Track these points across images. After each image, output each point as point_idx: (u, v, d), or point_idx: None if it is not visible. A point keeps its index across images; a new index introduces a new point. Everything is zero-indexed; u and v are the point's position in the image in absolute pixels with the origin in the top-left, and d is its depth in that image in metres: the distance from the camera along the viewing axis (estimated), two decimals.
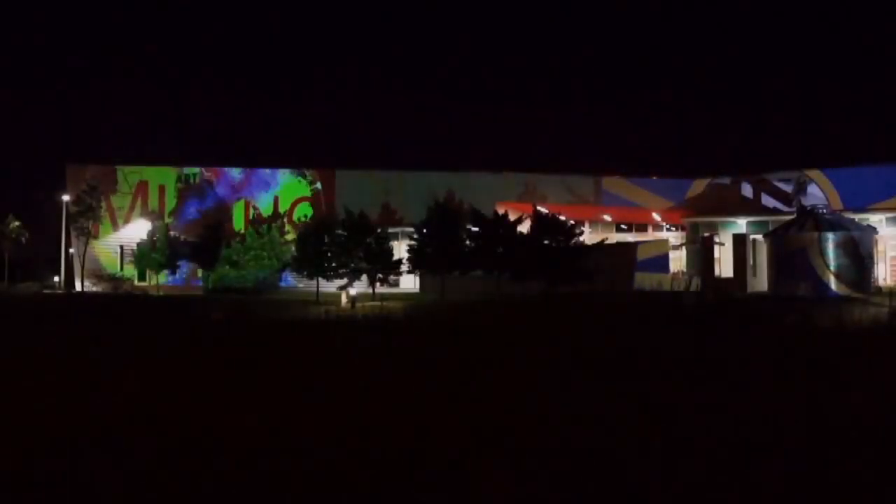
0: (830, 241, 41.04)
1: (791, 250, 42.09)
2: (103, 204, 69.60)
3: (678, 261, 61.91)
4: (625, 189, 71.61)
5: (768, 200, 68.56)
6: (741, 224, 61.98)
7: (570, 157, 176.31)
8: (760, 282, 45.93)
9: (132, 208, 71.94)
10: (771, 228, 50.16)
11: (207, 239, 61.26)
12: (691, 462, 6.11)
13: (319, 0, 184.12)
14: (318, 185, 71.92)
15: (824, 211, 46.96)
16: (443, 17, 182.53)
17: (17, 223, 73.55)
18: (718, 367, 10.65)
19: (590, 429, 7.20)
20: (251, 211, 71.73)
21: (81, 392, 9.53)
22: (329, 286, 53.46)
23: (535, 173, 71.03)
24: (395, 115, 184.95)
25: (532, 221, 49.66)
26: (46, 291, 64.98)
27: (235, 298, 46.83)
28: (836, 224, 42.79)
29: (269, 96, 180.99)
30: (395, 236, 61.48)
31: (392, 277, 53.88)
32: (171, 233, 66.06)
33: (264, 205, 71.96)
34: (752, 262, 47.65)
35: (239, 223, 70.35)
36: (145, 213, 71.27)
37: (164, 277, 65.24)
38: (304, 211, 70.90)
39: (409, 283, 58.55)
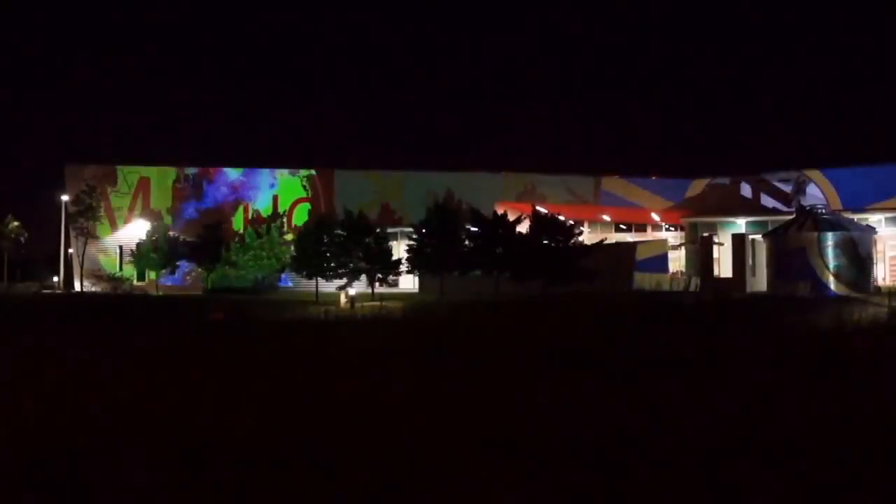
0: (829, 241, 41.06)
1: (790, 250, 42.11)
2: (102, 204, 69.54)
3: (677, 261, 61.91)
4: (624, 189, 71.56)
5: (767, 200, 68.51)
6: (740, 224, 61.99)
7: (569, 157, 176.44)
8: (760, 282, 45.93)
9: (131, 208, 71.84)
10: (770, 228, 50.17)
11: (207, 239, 61.21)
12: (687, 462, 6.11)
13: (319, 0, 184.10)
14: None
15: (823, 211, 46.98)
16: (442, 17, 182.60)
17: (16, 223, 73.50)
18: (714, 367, 10.64)
19: (584, 429, 7.19)
20: (250, 211, 71.65)
21: (77, 392, 9.52)
22: (328, 286, 53.42)
23: (534, 173, 70.95)
24: (395, 116, 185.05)
25: (531, 221, 49.63)
26: (46, 291, 64.96)
27: (234, 299, 46.85)
28: (835, 224, 42.81)
29: (268, 96, 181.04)
30: (395, 236, 61.44)
31: (391, 277, 53.82)
32: (171, 233, 65.99)
33: (263, 205, 71.88)
34: (751, 262, 47.64)
35: (238, 223, 70.29)
36: (144, 213, 71.20)
37: (154, 275, 65.11)
38: (303, 210, 70.77)
39: (408, 283, 58.50)
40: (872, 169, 61.18)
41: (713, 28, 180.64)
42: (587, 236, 58.84)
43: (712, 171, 72.34)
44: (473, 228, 50.31)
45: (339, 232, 53.65)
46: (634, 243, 59.20)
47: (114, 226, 71.21)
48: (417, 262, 51.39)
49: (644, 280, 48.75)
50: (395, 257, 53.48)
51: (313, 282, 54.66)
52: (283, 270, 61.39)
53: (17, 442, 7.20)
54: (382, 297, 45.24)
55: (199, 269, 63.83)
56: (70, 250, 70.83)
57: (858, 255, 41.14)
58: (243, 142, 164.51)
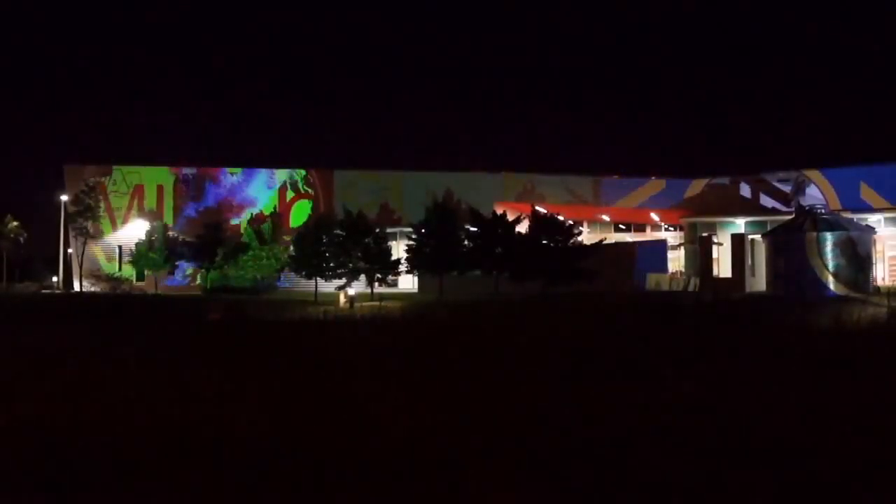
0: (829, 241, 41.00)
1: (789, 250, 42.04)
2: (102, 204, 69.58)
3: (677, 261, 61.93)
4: (623, 189, 71.55)
5: (767, 200, 68.59)
6: (739, 224, 62.01)
7: (568, 157, 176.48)
8: (759, 282, 45.90)
9: (130, 208, 71.89)
10: (769, 228, 50.14)
11: (206, 239, 61.25)
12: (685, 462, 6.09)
13: (317, 0, 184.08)
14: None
15: (822, 211, 46.95)
16: (442, 16, 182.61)
17: (15, 223, 73.59)
18: (710, 367, 10.63)
19: (578, 430, 7.18)
20: (249, 211, 71.62)
21: (76, 393, 9.50)
22: (327, 286, 53.45)
23: (533, 173, 70.99)
24: (394, 115, 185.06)
25: (531, 221, 49.65)
26: (45, 291, 65.01)
27: (233, 299, 46.83)
28: (834, 224, 42.74)
29: (267, 96, 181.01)
30: (394, 236, 61.51)
31: (390, 277, 53.86)
32: (170, 233, 66.02)
33: (262, 205, 71.87)
34: (750, 262, 47.61)
35: (236, 223, 70.29)
36: (143, 213, 71.22)
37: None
38: (303, 211, 70.73)
39: (407, 283, 58.54)
40: (872, 169, 61.21)
41: (713, 28, 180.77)
42: (586, 236, 58.86)
43: (711, 171, 72.42)
44: (473, 228, 50.33)
45: (339, 232, 53.70)
46: (634, 243, 59.21)
47: (113, 226, 71.25)
48: (417, 262, 51.42)
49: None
50: (394, 257, 53.53)
51: (312, 282, 54.70)
52: (281, 270, 61.42)
53: (16, 442, 7.19)
54: (382, 296, 45.23)
55: (199, 269, 63.85)
56: (69, 250, 70.86)
57: (858, 255, 41.09)
58: (242, 142, 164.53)
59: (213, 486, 5.86)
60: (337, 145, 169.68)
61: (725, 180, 70.56)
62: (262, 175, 72.81)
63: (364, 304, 39.98)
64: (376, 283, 51.83)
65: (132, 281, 67.27)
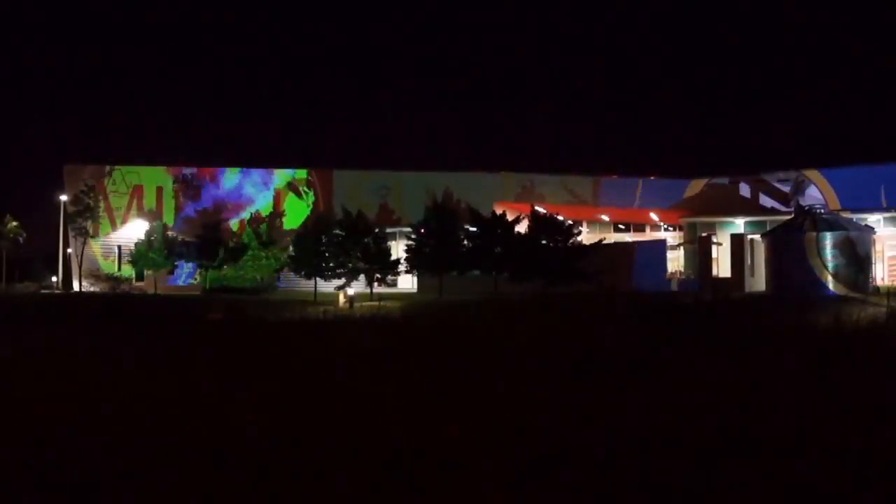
0: (828, 240, 41.04)
1: (789, 250, 42.08)
2: (101, 204, 69.62)
3: (676, 261, 61.91)
4: (623, 189, 71.53)
5: (766, 200, 68.58)
6: (739, 224, 61.99)
7: (568, 157, 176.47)
8: (758, 282, 45.93)
9: (130, 208, 71.95)
10: (769, 228, 50.17)
11: (205, 239, 61.26)
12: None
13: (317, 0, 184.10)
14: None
15: (822, 211, 46.99)
16: (441, 16, 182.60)
17: (15, 223, 73.55)
18: (706, 367, 10.63)
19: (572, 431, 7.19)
20: (248, 211, 71.64)
21: (76, 393, 9.52)
22: (327, 286, 53.45)
23: (533, 173, 70.93)
24: (393, 115, 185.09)
25: (530, 221, 49.65)
26: (44, 291, 64.99)
27: (233, 298, 46.84)
28: (833, 224, 42.79)
29: (266, 96, 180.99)
30: (393, 236, 61.53)
31: (390, 277, 53.85)
32: (169, 232, 66.04)
33: (262, 205, 71.88)
34: (749, 262, 47.64)
35: (236, 223, 70.33)
36: (143, 213, 71.26)
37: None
38: (302, 211, 70.74)
39: (406, 283, 58.53)
40: (871, 168, 61.23)
41: (712, 28, 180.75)
42: (586, 236, 58.86)
43: (711, 171, 72.38)
44: (472, 228, 50.32)
45: (338, 232, 53.72)
46: (634, 243, 59.21)
47: (113, 226, 71.28)
48: (416, 261, 51.40)
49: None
50: (393, 257, 53.55)
51: (311, 282, 54.71)
52: (281, 270, 61.43)
53: (17, 443, 7.20)
54: (381, 296, 45.26)
55: (199, 269, 63.82)
56: (69, 250, 70.87)
57: (857, 255, 41.13)
58: (242, 142, 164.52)
59: (212, 484, 5.87)
60: (336, 145, 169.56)
61: (725, 180, 70.53)
62: (261, 175, 72.83)
63: (363, 304, 40.03)
64: (375, 283, 51.84)
65: (131, 281, 67.27)
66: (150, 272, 65.25)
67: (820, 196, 63.20)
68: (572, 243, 48.35)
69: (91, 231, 68.58)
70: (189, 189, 72.18)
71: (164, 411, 8.21)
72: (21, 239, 74.43)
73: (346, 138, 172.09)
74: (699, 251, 52.76)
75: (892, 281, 51.24)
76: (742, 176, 70.52)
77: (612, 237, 64.21)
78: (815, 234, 41.37)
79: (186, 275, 67.03)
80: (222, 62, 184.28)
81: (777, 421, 7.30)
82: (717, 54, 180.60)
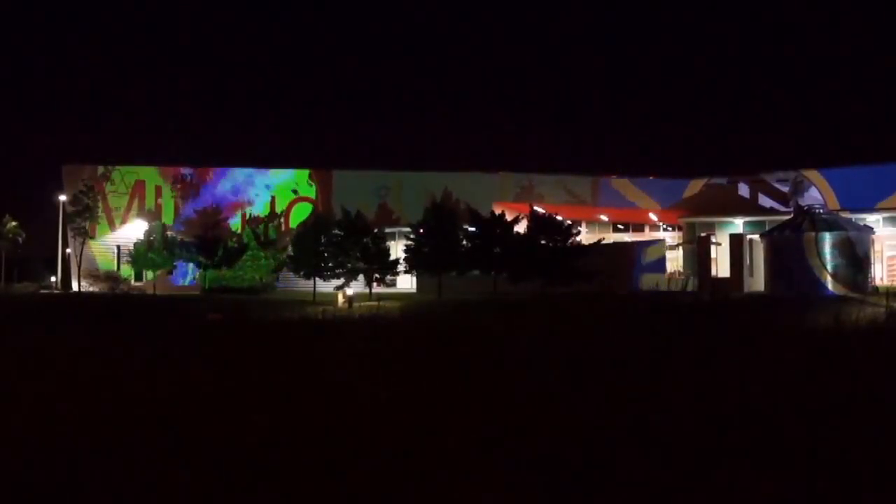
0: (827, 240, 41.08)
1: (788, 250, 42.12)
2: (100, 204, 69.61)
3: (675, 261, 61.93)
4: (622, 189, 71.58)
5: (765, 200, 68.62)
6: (738, 224, 62.03)
7: (567, 157, 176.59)
8: (757, 282, 45.96)
9: (129, 208, 71.97)
10: (768, 228, 50.20)
11: (204, 239, 61.28)
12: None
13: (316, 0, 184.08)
14: (311, 182, 71.80)
15: (821, 211, 47.02)
16: (440, 16, 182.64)
17: (14, 223, 73.52)
18: (702, 367, 10.64)
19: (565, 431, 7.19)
20: (248, 211, 71.66)
21: (76, 395, 9.51)
22: (326, 286, 53.46)
23: (532, 173, 70.99)
24: (393, 115, 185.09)
25: (529, 221, 49.67)
26: (43, 291, 64.96)
27: (232, 298, 46.86)
28: (832, 224, 42.82)
29: (266, 97, 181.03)
30: (392, 236, 61.55)
31: (389, 277, 53.86)
32: (168, 232, 66.04)
33: (261, 205, 71.91)
34: (748, 262, 47.65)
35: (236, 223, 70.36)
36: (142, 213, 71.27)
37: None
38: (301, 211, 70.76)
39: (405, 283, 58.55)
40: (870, 168, 61.28)
41: (711, 28, 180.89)
42: (585, 236, 58.88)
43: (710, 171, 72.44)
44: (471, 228, 50.33)
45: (337, 232, 53.73)
46: (634, 243, 59.25)
47: (112, 226, 71.28)
48: (415, 261, 51.40)
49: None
50: (392, 257, 53.56)
51: (310, 282, 54.71)
52: (279, 270, 61.44)
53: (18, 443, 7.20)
54: (380, 296, 45.26)
55: (198, 270, 63.82)
56: (68, 250, 70.85)
57: (856, 255, 41.16)
58: (241, 142, 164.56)
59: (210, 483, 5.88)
60: (335, 145, 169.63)
61: (724, 180, 70.57)
62: (260, 175, 72.84)
63: (362, 303, 40.03)
64: (375, 283, 51.84)
65: (130, 281, 67.25)
66: (149, 272, 65.24)
67: (819, 196, 63.26)
68: (571, 243, 48.37)
69: (90, 231, 68.55)
70: (190, 190, 72.20)
71: (162, 411, 8.20)
72: (20, 239, 74.39)
73: (345, 138, 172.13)
74: (698, 251, 52.73)
75: (892, 281, 51.26)
76: (741, 176, 70.56)
77: (610, 237, 64.26)
78: (814, 234, 41.41)
79: (186, 274, 67.03)
80: (222, 62, 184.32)
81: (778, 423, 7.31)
82: (716, 54, 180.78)
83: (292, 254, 56.49)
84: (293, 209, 71.21)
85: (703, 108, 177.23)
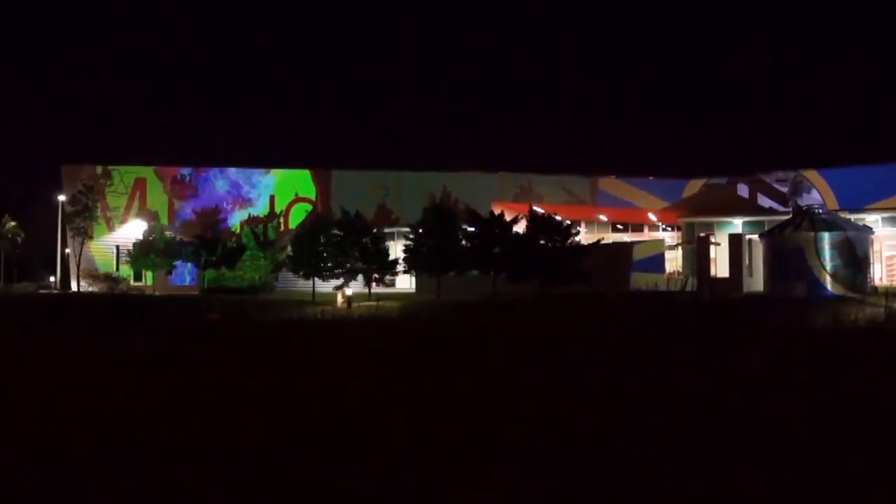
0: (826, 241, 41.02)
1: (787, 250, 42.06)
2: (99, 204, 69.59)
3: (674, 261, 61.92)
4: (621, 189, 71.61)
5: (764, 200, 68.67)
6: (737, 224, 62.04)
7: (566, 157, 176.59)
8: (756, 282, 45.92)
9: (128, 208, 71.97)
10: (767, 228, 50.18)
11: (203, 239, 61.25)
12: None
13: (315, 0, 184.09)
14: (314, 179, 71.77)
15: (820, 211, 46.98)
16: (440, 17, 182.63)
17: (13, 223, 73.45)
18: (699, 367, 10.65)
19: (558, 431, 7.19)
20: (247, 211, 71.66)
21: (78, 394, 9.51)
22: (325, 286, 53.42)
23: (531, 173, 71.02)
24: (392, 116, 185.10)
25: (528, 222, 49.62)
26: (43, 291, 64.94)
27: (232, 299, 46.84)
28: (832, 224, 42.76)
29: (265, 97, 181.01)
30: (392, 236, 61.52)
31: (388, 277, 53.82)
32: (167, 233, 66.01)
33: (260, 205, 71.91)
34: (747, 262, 47.61)
35: (235, 224, 70.36)
36: (141, 213, 71.26)
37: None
38: (300, 211, 70.77)
39: (405, 283, 58.53)
40: (869, 169, 61.34)
41: (710, 28, 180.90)
42: (584, 236, 58.87)
43: (709, 172, 72.54)
44: (470, 228, 50.29)
45: (336, 232, 53.68)
46: (631, 243, 59.25)
47: (111, 226, 71.26)
48: (414, 262, 51.35)
49: (641, 280, 48.79)
50: (391, 257, 53.52)
51: (309, 282, 54.67)
52: (279, 270, 61.42)
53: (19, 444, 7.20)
54: (379, 297, 45.26)
55: (197, 270, 63.82)
56: (67, 250, 70.83)
57: (855, 256, 41.11)
58: (240, 142, 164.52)
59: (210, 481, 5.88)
60: (334, 145, 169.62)
61: (723, 180, 70.64)
62: (259, 175, 72.86)
63: (362, 304, 40.05)
64: (374, 283, 51.81)
65: (129, 281, 67.23)
66: (148, 272, 65.22)
67: (818, 196, 63.30)
68: (570, 243, 48.32)
69: (89, 231, 68.52)
70: (189, 190, 72.20)
71: (159, 411, 8.21)
72: (19, 239, 74.29)
73: (345, 138, 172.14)
74: (697, 251, 52.70)
75: (891, 281, 51.25)
76: (740, 176, 70.64)
77: (609, 237, 64.25)
78: (813, 234, 41.36)
79: (185, 275, 66.99)
80: (221, 62, 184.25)
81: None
82: (715, 54, 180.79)
83: (291, 254, 56.44)
84: (292, 209, 71.23)
85: (702, 108, 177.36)
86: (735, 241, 49.53)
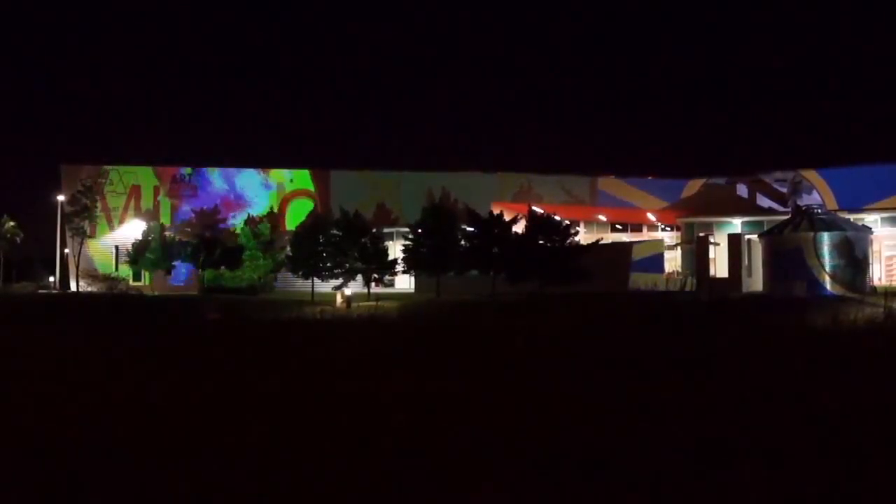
0: (826, 241, 41.04)
1: (786, 250, 42.07)
2: (99, 204, 69.52)
3: (673, 261, 61.88)
4: (620, 189, 71.59)
5: (763, 200, 68.64)
6: (736, 224, 61.98)
7: (565, 157, 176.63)
8: (756, 282, 45.92)
9: (127, 208, 71.89)
10: (766, 228, 50.18)
11: (203, 239, 61.18)
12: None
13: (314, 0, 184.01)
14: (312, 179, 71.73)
15: (819, 211, 46.99)
16: (439, 17, 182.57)
17: (12, 223, 73.35)
18: (696, 367, 10.64)
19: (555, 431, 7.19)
20: (247, 211, 71.57)
21: (79, 394, 9.50)
22: (324, 286, 53.38)
23: (530, 173, 70.98)
24: (391, 116, 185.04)
25: (527, 222, 49.60)
26: (42, 291, 64.89)
27: (231, 299, 46.81)
28: (831, 224, 42.79)
29: (264, 97, 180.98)
30: (391, 236, 61.46)
31: (387, 277, 53.78)
32: (166, 233, 65.95)
33: (260, 205, 71.85)
34: (747, 262, 47.61)
35: (234, 224, 70.27)
36: (140, 213, 71.20)
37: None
38: (299, 211, 70.71)
39: (404, 283, 58.49)
40: (868, 169, 61.32)
41: (709, 28, 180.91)
42: (583, 236, 58.82)
43: (708, 172, 72.51)
44: (469, 228, 50.26)
45: (335, 232, 53.63)
46: (631, 243, 59.23)
47: (110, 226, 71.21)
48: (413, 262, 51.31)
49: (640, 280, 48.79)
50: (390, 257, 53.47)
51: (308, 282, 54.63)
52: (278, 270, 61.36)
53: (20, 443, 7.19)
54: (378, 297, 45.23)
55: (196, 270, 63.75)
56: (66, 250, 70.76)
57: (854, 256, 41.13)
58: (239, 142, 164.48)
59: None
60: (334, 145, 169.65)
61: (722, 180, 70.62)
62: (259, 175, 72.80)
63: (361, 304, 40.03)
64: (373, 283, 51.76)
65: (128, 281, 67.14)
66: (147, 272, 65.18)
67: (817, 196, 63.29)
68: (569, 243, 48.29)
69: (88, 231, 68.46)
70: (188, 189, 72.17)
71: (160, 411, 8.20)
72: (18, 239, 74.19)
73: (344, 138, 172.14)
74: (696, 251, 52.70)
75: (890, 281, 51.23)
76: (739, 176, 70.62)
77: (609, 237, 64.19)
78: (812, 234, 41.37)
79: (184, 275, 66.90)
80: (221, 62, 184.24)
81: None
82: (714, 54, 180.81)
83: (291, 254, 56.37)
84: (292, 209, 71.15)
85: (701, 108, 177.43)
86: (734, 241, 49.52)
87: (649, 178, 73.06)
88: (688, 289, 46.75)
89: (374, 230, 54.71)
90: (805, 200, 61.28)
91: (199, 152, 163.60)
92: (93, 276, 67.80)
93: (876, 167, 60.93)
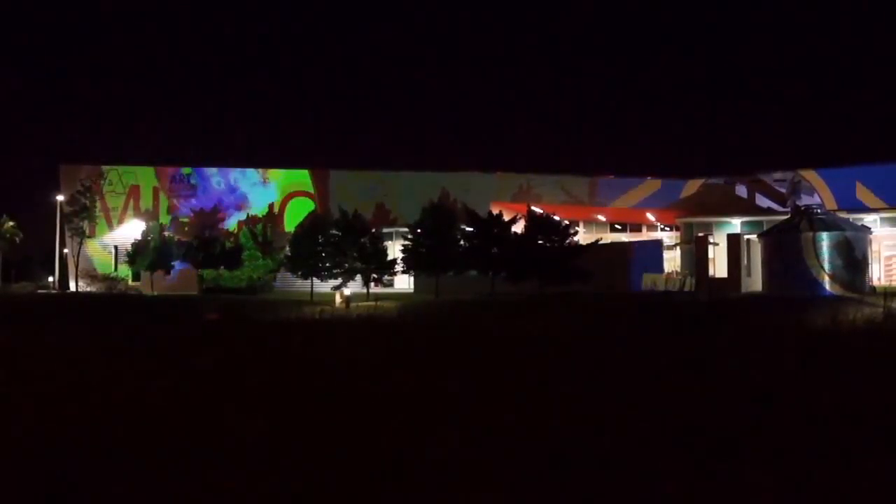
0: (825, 241, 41.06)
1: (785, 250, 42.09)
2: (98, 204, 69.54)
3: (673, 261, 61.87)
4: (619, 189, 71.54)
5: (763, 200, 68.61)
6: (735, 224, 62.00)
7: (564, 157, 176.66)
8: (755, 282, 45.94)
9: (126, 208, 71.89)
10: (765, 228, 50.20)
11: (202, 239, 61.15)
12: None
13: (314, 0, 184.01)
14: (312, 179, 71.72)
15: (819, 211, 47.01)
16: (440, 17, 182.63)
17: (11, 223, 73.38)
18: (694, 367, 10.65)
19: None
20: (246, 212, 71.57)
21: (79, 394, 9.50)
22: (323, 286, 53.36)
23: (529, 173, 70.93)
24: (390, 115, 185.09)
25: (527, 221, 49.61)
26: (41, 291, 64.90)
27: (230, 299, 46.81)
28: (830, 224, 42.81)
29: (264, 97, 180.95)
30: (390, 236, 61.43)
31: (386, 278, 53.75)
32: (165, 233, 65.93)
33: (259, 205, 71.84)
34: (746, 262, 47.64)
35: (233, 224, 70.28)
36: (139, 213, 71.19)
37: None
38: (299, 210, 70.69)
39: (403, 283, 58.48)
40: (868, 169, 61.31)
41: (708, 28, 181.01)
42: (582, 236, 58.81)
43: (707, 171, 72.45)
44: (469, 228, 50.25)
45: (334, 232, 53.60)
46: (630, 243, 59.22)
47: (109, 226, 71.21)
48: (412, 262, 51.30)
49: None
50: (390, 257, 53.45)
51: (307, 282, 54.59)
52: (277, 270, 61.34)
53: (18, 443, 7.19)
54: (377, 297, 45.23)
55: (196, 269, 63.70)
56: (65, 250, 70.78)
57: (854, 256, 41.16)
58: (239, 141, 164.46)
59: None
60: (333, 145, 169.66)
61: (721, 180, 70.57)
62: (258, 175, 72.78)
63: (360, 304, 40.04)
64: (372, 284, 51.74)
65: (128, 281, 67.14)
66: (146, 272, 65.16)
67: (817, 196, 63.28)
68: (569, 243, 48.30)
69: (87, 231, 68.47)
70: (187, 189, 72.16)
71: (157, 412, 8.21)
72: (17, 239, 74.23)
73: (343, 138, 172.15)
74: (696, 251, 52.72)
75: (889, 281, 51.26)
76: (739, 176, 70.57)
77: (608, 237, 64.18)
78: (811, 234, 41.39)
79: (177, 275, 66.82)
80: (220, 62, 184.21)
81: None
82: (714, 54, 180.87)
83: (290, 254, 56.34)
84: (291, 209, 71.14)
85: (701, 108, 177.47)
86: (733, 241, 49.53)
87: (648, 177, 73.03)
88: (687, 289, 46.77)
89: (374, 230, 54.67)
90: (804, 201, 61.30)
91: (199, 152, 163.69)
92: (92, 276, 67.83)
93: (875, 167, 60.89)
